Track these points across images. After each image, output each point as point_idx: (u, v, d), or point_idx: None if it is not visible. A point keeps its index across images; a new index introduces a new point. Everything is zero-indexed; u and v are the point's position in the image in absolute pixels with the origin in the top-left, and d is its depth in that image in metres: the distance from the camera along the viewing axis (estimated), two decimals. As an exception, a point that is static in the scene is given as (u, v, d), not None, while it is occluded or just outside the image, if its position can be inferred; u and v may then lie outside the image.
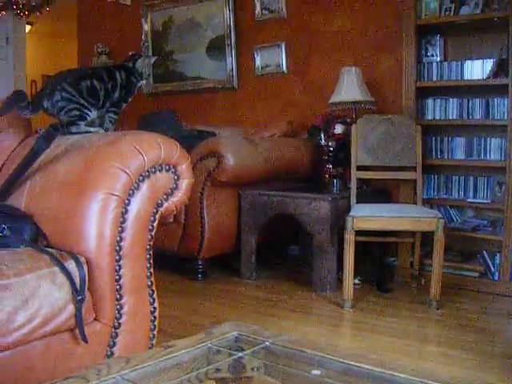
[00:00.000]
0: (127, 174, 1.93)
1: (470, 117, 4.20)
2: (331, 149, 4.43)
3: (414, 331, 3.20)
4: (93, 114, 2.45)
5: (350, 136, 4.12)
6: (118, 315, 1.93)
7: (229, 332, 1.38)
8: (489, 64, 4.12)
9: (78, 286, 1.76)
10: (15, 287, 1.61)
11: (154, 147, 2.01)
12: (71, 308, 1.74)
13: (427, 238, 3.93)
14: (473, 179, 4.25)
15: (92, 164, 1.98)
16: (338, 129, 4.43)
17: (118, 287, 1.93)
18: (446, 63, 4.29)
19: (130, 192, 1.95)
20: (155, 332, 2.11)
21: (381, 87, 4.75)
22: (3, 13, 7.65)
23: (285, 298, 3.83)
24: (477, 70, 4.19)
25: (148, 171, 1.99)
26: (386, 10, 4.77)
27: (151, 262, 2.08)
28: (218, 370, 1.24)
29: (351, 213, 3.62)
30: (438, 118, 4.33)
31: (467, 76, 4.21)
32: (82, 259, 1.82)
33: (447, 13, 4.17)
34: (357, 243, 3.60)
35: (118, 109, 2.60)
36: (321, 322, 3.36)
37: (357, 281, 3.99)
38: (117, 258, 1.92)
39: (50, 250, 1.82)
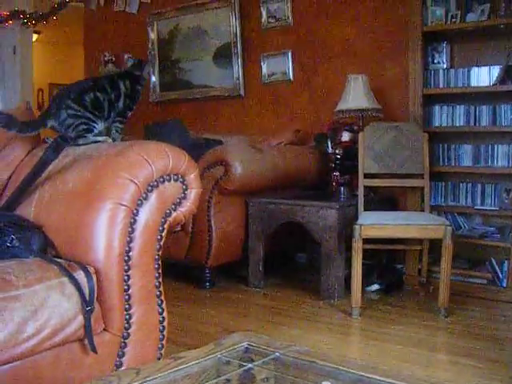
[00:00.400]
0: (135, 184, 1.93)
1: (477, 124, 4.19)
2: (338, 156, 4.42)
3: (422, 339, 3.19)
4: (100, 126, 2.46)
5: (357, 144, 4.12)
6: (126, 325, 1.94)
7: (239, 343, 1.37)
8: (495, 70, 4.12)
9: (87, 296, 1.76)
10: (25, 298, 1.62)
11: (162, 157, 2.01)
12: (80, 318, 1.74)
13: (435, 245, 3.92)
14: (480, 186, 4.23)
15: (100, 174, 1.98)
16: (345, 136, 4.43)
17: (126, 297, 1.93)
18: (452, 70, 4.29)
19: (139, 202, 1.95)
20: (164, 342, 2.11)
21: (387, 95, 4.75)
22: (10, 22, 7.70)
23: (293, 306, 3.82)
24: (483, 76, 4.19)
25: (156, 181, 2.00)
26: (392, 18, 4.77)
27: (160, 271, 2.08)
28: (227, 380, 1.24)
29: (359, 221, 3.61)
30: (444, 125, 4.33)
31: (474, 83, 4.21)
32: (91, 269, 1.82)
33: (453, 20, 4.17)
34: (365, 250, 3.60)
35: (124, 118, 2.61)
36: (329, 331, 3.35)
37: (376, 286, 4.04)
38: (125, 268, 1.92)
39: (58, 260, 1.82)
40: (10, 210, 2.14)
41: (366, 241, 3.63)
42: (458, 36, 4.34)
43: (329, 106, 4.90)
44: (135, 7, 6.52)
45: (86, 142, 2.38)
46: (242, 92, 5.75)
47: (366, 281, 4.09)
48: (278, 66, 5.49)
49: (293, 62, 5.40)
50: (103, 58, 6.79)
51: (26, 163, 2.42)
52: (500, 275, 3.97)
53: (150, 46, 6.40)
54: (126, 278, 1.92)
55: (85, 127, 2.38)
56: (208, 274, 4.25)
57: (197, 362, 1.27)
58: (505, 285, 3.92)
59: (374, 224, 3.57)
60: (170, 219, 2.08)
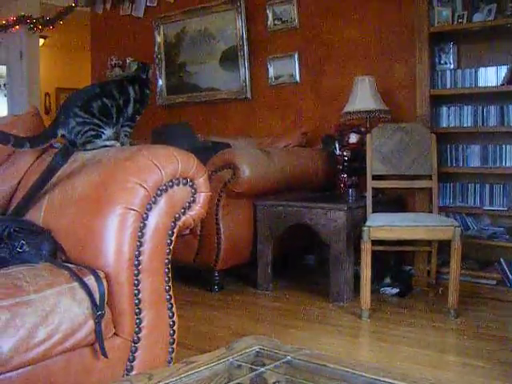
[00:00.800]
0: (145, 188, 1.93)
1: (485, 124, 4.18)
2: (346, 158, 4.41)
3: (432, 340, 3.18)
4: (108, 132, 2.46)
5: (364, 145, 4.11)
6: (137, 329, 1.94)
7: (250, 346, 1.37)
8: (503, 71, 4.11)
9: (97, 301, 1.76)
10: (35, 303, 1.62)
11: (171, 161, 2.01)
12: (91, 323, 1.75)
13: (444, 246, 3.91)
14: (489, 186, 4.22)
15: (110, 179, 1.99)
16: (353, 138, 4.42)
17: (137, 301, 1.93)
18: (459, 71, 4.29)
19: (148, 206, 1.95)
20: (174, 346, 2.11)
21: (395, 96, 4.74)
22: (17, 27, 7.74)
23: (302, 308, 3.82)
24: (491, 76, 4.18)
25: (165, 185, 2.00)
26: (398, 19, 4.76)
27: (169, 275, 2.08)
28: (239, 385, 1.24)
29: (367, 223, 3.61)
30: (452, 125, 4.32)
31: (481, 83, 4.20)
32: (101, 274, 1.83)
33: (460, 20, 4.16)
34: (374, 252, 3.59)
35: (133, 122, 2.62)
36: (339, 333, 3.35)
37: (393, 290, 4.06)
38: (135, 272, 1.92)
39: (69, 265, 1.83)
40: (19, 216, 2.15)
41: (375, 242, 3.63)
42: (464, 36, 4.34)
43: (336, 107, 4.90)
44: (141, 11, 6.54)
45: (95, 147, 2.38)
46: (248, 95, 5.76)
47: (378, 283, 4.10)
48: (285, 69, 5.50)
49: (299, 64, 5.41)
50: (110, 62, 6.81)
51: (35, 169, 2.43)
52: (509, 276, 3.95)
53: (156, 49, 6.41)
54: (136, 282, 1.92)
55: (93, 133, 2.39)
56: (217, 277, 4.25)
57: (208, 366, 1.27)
58: (514, 285, 3.92)
59: (383, 226, 3.56)
60: (180, 223, 2.08)
